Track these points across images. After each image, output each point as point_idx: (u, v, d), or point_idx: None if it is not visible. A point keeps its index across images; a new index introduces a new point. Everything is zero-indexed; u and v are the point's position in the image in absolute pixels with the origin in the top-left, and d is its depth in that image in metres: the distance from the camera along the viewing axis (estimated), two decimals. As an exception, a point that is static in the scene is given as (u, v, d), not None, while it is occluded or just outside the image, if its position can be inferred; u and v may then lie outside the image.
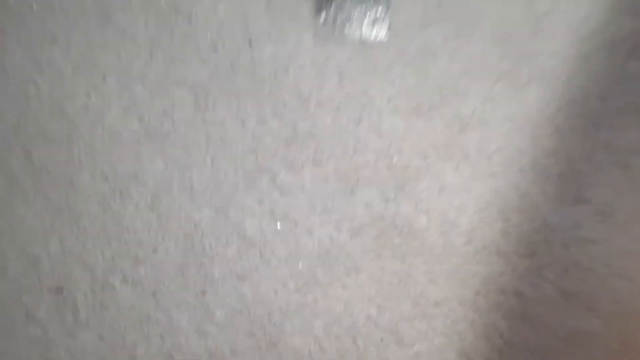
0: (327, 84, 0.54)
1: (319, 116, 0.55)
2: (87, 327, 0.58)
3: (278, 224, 0.55)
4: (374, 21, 0.53)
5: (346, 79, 0.54)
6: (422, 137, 0.54)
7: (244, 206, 0.56)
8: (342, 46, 0.54)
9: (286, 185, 0.55)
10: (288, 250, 0.56)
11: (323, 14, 0.54)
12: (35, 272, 0.57)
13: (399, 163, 0.54)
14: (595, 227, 0.53)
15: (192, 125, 0.56)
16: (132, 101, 0.56)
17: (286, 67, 0.55)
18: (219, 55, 0.55)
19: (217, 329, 0.57)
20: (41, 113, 0.57)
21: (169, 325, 0.57)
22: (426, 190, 0.54)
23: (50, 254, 0.57)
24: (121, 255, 0.56)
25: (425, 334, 0.57)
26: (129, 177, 0.56)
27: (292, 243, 0.56)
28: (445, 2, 0.53)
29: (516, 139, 0.53)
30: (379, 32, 0.53)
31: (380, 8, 0.53)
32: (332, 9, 0.53)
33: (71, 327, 0.58)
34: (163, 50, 0.56)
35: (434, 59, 0.53)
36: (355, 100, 0.54)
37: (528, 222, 0.54)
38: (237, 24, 0.55)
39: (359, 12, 0.53)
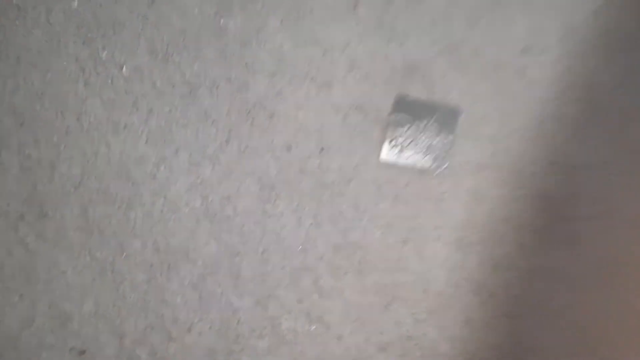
0: (383, 202, 0.59)
1: (369, 230, 0.59)
2: (101, 394, 0.57)
3: (312, 326, 0.58)
4: (436, 156, 0.59)
5: (400, 202, 0.59)
6: (459, 268, 0.59)
7: (284, 302, 0.58)
8: (403, 171, 0.59)
9: (326, 289, 0.59)
10: (316, 353, 0.58)
11: (392, 140, 0.59)
12: (63, 330, 0.57)
13: (433, 288, 0.59)
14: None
15: (251, 214, 0.59)
16: (200, 180, 0.59)
17: (349, 180, 0.59)
18: (291, 155, 0.59)
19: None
20: (106, 173, 0.60)
21: (186, 406, 0.58)
22: (453, 318, 0.59)
23: (82, 314, 0.57)
24: (155, 328, 0.57)
25: None
26: (180, 253, 0.58)
27: (321, 346, 0.58)
28: (497, 153, 0.60)
29: (536, 287, 0.59)
30: (438, 167, 0.59)
31: (443, 146, 0.59)
32: (401, 137, 0.59)
33: (85, 390, 0.58)
34: (240, 140, 0.60)
35: (480, 201, 0.59)
36: (405, 222, 0.59)
37: None
38: (313, 131, 0.60)
39: (424, 145, 0.59)
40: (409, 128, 0.59)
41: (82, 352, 0.57)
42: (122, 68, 0.62)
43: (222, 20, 0.62)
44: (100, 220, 0.59)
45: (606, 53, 0.58)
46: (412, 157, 0.60)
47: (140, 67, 0.62)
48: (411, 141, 0.60)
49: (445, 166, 0.59)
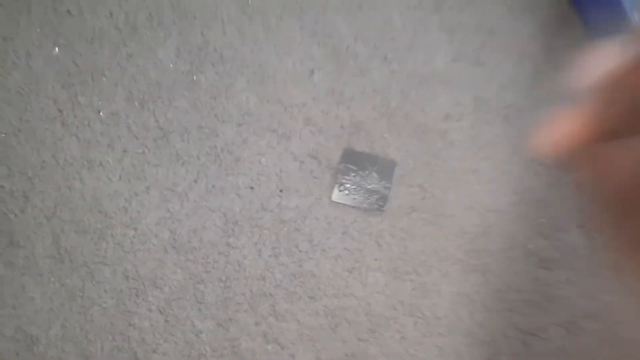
0: (333, 237, 0.69)
1: (321, 261, 0.69)
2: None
3: (269, 346, 0.65)
4: (377, 199, 0.71)
5: (348, 236, 0.70)
6: (395, 294, 0.70)
7: (243, 325, 0.65)
8: (350, 211, 0.70)
9: (282, 313, 0.66)
10: (272, 370, 0.65)
11: (340, 184, 0.70)
12: (28, 353, 0.60)
13: (374, 311, 0.69)
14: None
15: (216, 246, 0.66)
16: (169, 215, 0.66)
17: (304, 217, 0.69)
18: (254, 194, 0.68)
19: None
20: (80, 206, 0.65)
21: None
22: (391, 337, 0.69)
23: (48, 337, 0.60)
24: (121, 350, 0.61)
25: None
26: (148, 280, 0.64)
27: (276, 364, 0.65)
28: (426, 198, 0.73)
29: (458, 310, 0.71)
30: (379, 208, 0.71)
31: (383, 190, 0.71)
32: (348, 183, 0.71)
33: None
34: (207, 179, 0.68)
35: (412, 238, 0.72)
36: (352, 254, 0.70)
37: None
38: (274, 175, 0.69)
39: (367, 189, 0.71)
40: (354, 175, 0.70)
41: (47, 377, 0.59)
42: (99, 112, 0.68)
43: (194, 77, 0.71)
44: (72, 249, 0.63)
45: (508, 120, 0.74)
46: (357, 199, 0.71)
47: (117, 112, 0.69)
48: (357, 186, 0.71)
49: (384, 208, 0.71)
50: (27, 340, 0.60)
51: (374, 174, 0.71)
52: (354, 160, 0.71)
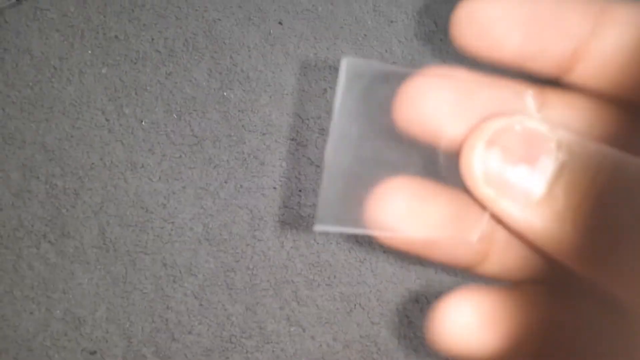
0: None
1: (336, 252, 0.77)
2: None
3: (292, 328, 0.73)
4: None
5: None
6: (402, 282, 0.79)
7: (269, 309, 0.73)
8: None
9: (303, 298, 0.74)
10: (294, 349, 0.72)
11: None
12: (76, 333, 0.66)
13: (384, 297, 0.77)
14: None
15: (244, 238, 0.75)
16: (202, 210, 0.75)
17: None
18: (276, 193, 0.78)
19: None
20: (124, 202, 0.73)
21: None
22: (399, 320, 0.77)
23: (95, 319, 0.67)
24: (160, 331, 0.68)
25: None
26: (184, 268, 0.71)
27: (298, 344, 0.73)
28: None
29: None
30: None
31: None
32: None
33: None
34: (236, 180, 0.77)
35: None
36: (362, 246, 0.79)
37: None
38: (294, 177, 0.79)
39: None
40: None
41: (93, 353, 0.65)
42: (141, 121, 0.78)
43: (225, 93, 0.82)
44: (116, 240, 0.71)
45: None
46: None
47: (157, 121, 0.79)
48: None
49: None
50: (75, 322, 0.66)
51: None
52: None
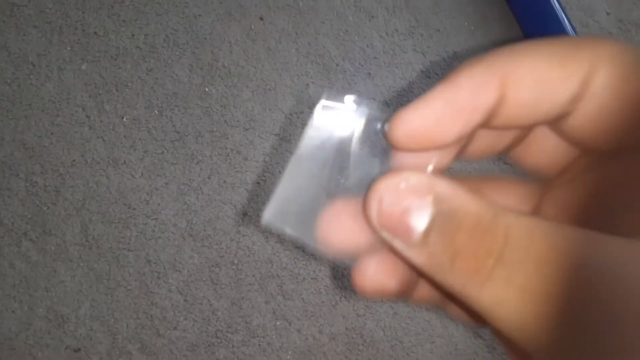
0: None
1: (320, 246, 0.79)
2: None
3: (277, 322, 0.74)
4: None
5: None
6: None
7: (254, 303, 0.74)
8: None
9: (289, 292, 0.76)
10: (280, 343, 0.74)
11: (334, 180, 0.83)
12: (59, 331, 0.66)
13: (369, 290, 0.79)
14: None
15: (228, 234, 0.76)
16: (185, 206, 0.76)
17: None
18: (260, 188, 0.79)
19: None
20: (106, 199, 0.74)
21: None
22: (385, 313, 0.79)
23: (78, 317, 0.67)
24: (145, 327, 0.69)
25: None
26: (168, 264, 0.73)
27: (284, 338, 0.74)
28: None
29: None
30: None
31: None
32: (341, 178, 0.83)
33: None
34: (219, 176, 0.78)
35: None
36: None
37: None
38: (277, 172, 0.81)
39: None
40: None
41: (77, 350, 0.66)
42: (122, 118, 0.79)
43: (206, 88, 0.83)
44: (99, 237, 0.72)
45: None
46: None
47: (138, 117, 0.79)
48: (348, 181, 0.83)
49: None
50: (58, 320, 0.67)
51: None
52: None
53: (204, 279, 0.73)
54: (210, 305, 0.73)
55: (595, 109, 0.16)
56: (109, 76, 0.80)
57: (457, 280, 0.15)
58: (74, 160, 0.75)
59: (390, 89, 0.87)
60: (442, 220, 0.16)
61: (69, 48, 0.80)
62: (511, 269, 0.14)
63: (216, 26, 0.86)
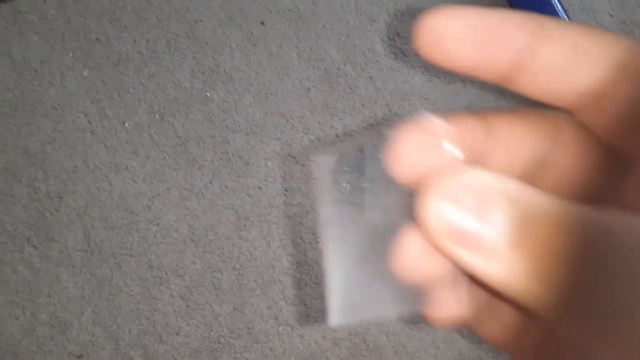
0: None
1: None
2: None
3: (280, 327, 0.75)
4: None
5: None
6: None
7: (256, 308, 0.75)
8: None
9: (291, 297, 0.76)
10: (283, 349, 0.74)
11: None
12: (62, 337, 0.67)
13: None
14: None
15: (230, 239, 0.77)
16: (187, 211, 0.77)
17: (307, 213, 0.81)
18: (262, 193, 0.80)
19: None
20: (108, 205, 0.75)
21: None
22: (389, 320, 0.80)
23: (81, 322, 0.68)
24: (147, 333, 0.70)
25: None
26: (170, 270, 0.73)
27: (287, 343, 0.75)
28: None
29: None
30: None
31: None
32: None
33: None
34: (221, 181, 0.79)
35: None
36: (349, 245, 0.81)
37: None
38: (279, 177, 0.81)
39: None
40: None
41: (80, 356, 0.66)
42: (124, 123, 0.80)
43: (208, 93, 0.84)
44: (101, 243, 0.72)
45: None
46: (351, 196, 0.84)
47: (140, 123, 0.80)
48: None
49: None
50: (60, 326, 0.67)
51: (367, 173, 0.84)
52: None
53: (206, 284, 0.74)
54: (213, 310, 0.73)
55: (630, 97, 0.15)
56: (111, 82, 0.81)
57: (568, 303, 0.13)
58: (76, 166, 0.76)
59: (391, 92, 0.87)
60: (520, 224, 0.13)
61: (71, 54, 0.81)
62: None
63: (217, 31, 0.87)
